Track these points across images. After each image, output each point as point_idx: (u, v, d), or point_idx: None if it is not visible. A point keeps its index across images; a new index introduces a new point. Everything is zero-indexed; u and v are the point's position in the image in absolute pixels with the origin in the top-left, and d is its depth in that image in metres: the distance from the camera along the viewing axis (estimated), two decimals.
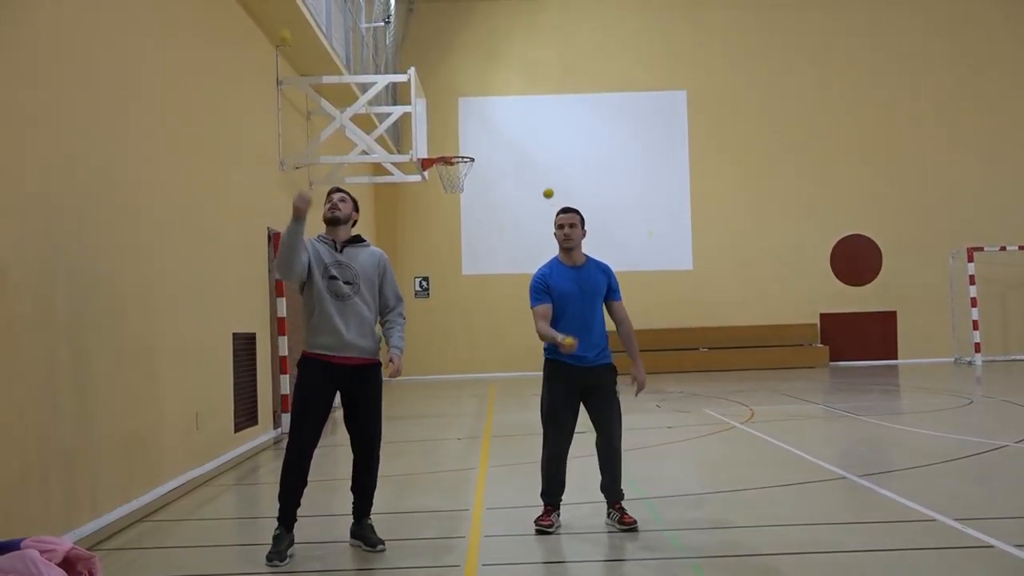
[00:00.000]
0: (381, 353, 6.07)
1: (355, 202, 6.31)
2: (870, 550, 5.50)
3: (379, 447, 6.07)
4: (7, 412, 5.44)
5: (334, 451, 9.71)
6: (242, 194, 10.70)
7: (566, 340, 6.06)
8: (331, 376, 5.88)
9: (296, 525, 5.84)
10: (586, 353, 6.29)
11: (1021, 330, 23.04)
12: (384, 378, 6.09)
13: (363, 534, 5.96)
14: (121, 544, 6.32)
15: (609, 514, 6.35)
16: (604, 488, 6.41)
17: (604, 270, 6.59)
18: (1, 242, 5.47)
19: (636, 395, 6.61)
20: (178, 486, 8.07)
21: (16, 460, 5.52)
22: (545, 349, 6.46)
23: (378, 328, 6.15)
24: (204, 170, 9.37)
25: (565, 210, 6.62)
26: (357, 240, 6.16)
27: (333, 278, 5.90)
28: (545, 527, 6.19)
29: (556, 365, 6.43)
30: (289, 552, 5.72)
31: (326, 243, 6.09)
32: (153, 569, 5.78)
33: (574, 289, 6.37)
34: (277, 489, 5.90)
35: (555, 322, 6.35)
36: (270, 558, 5.62)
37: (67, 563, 4.59)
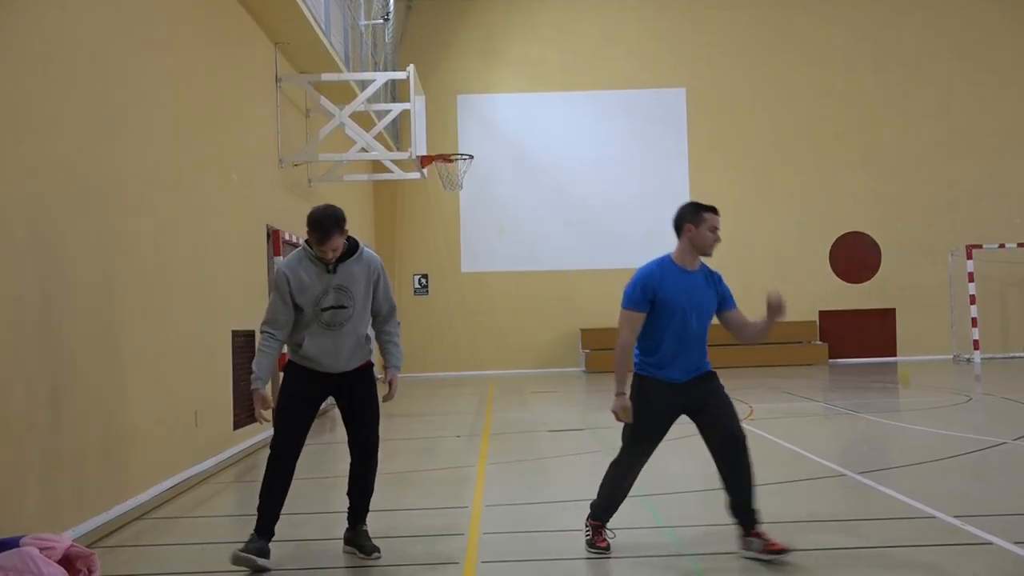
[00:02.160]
0: (374, 354, 5.92)
1: (343, 222, 5.50)
2: (870, 547, 5.50)
3: (377, 449, 5.79)
4: (6, 410, 5.43)
5: (333, 448, 9.72)
6: (241, 192, 10.70)
7: (624, 411, 5.36)
8: (321, 381, 5.63)
9: (295, 523, 5.80)
10: (679, 377, 5.42)
11: (1020, 328, 23.05)
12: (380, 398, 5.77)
13: (358, 541, 5.71)
14: (120, 541, 6.32)
15: (748, 543, 5.33)
16: (737, 510, 5.39)
17: (716, 279, 5.60)
18: (2, 243, 5.47)
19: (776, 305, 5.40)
20: (177, 483, 8.07)
21: (15, 458, 5.52)
22: (636, 361, 5.54)
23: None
24: (203, 168, 9.36)
25: (716, 210, 5.49)
26: (350, 252, 5.59)
27: (325, 309, 5.47)
28: (604, 549, 5.57)
29: (647, 382, 5.45)
30: (260, 562, 5.37)
31: (314, 264, 5.49)
32: (151, 566, 5.78)
33: (682, 301, 5.40)
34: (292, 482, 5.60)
35: (646, 336, 5.46)
36: (237, 560, 5.33)
37: (66, 560, 4.59)
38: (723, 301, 5.55)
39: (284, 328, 5.55)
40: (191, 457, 8.56)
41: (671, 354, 5.40)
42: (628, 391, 5.39)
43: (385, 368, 5.85)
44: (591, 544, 5.61)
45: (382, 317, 5.78)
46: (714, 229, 5.44)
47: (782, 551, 5.17)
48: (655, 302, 5.38)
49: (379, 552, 5.64)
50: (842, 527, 6.10)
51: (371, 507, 5.91)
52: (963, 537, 5.66)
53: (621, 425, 5.58)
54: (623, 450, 5.60)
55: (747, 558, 5.28)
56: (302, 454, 5.69)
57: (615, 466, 5.66)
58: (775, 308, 5.38)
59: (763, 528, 5.30)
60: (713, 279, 5.57)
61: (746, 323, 5.60)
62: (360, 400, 5.72)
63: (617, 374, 5.40)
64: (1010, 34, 23.47)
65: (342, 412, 5.80)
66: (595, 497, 5.72)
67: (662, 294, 5.38)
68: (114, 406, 6.91)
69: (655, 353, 5.42)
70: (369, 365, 5.80)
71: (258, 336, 5.61)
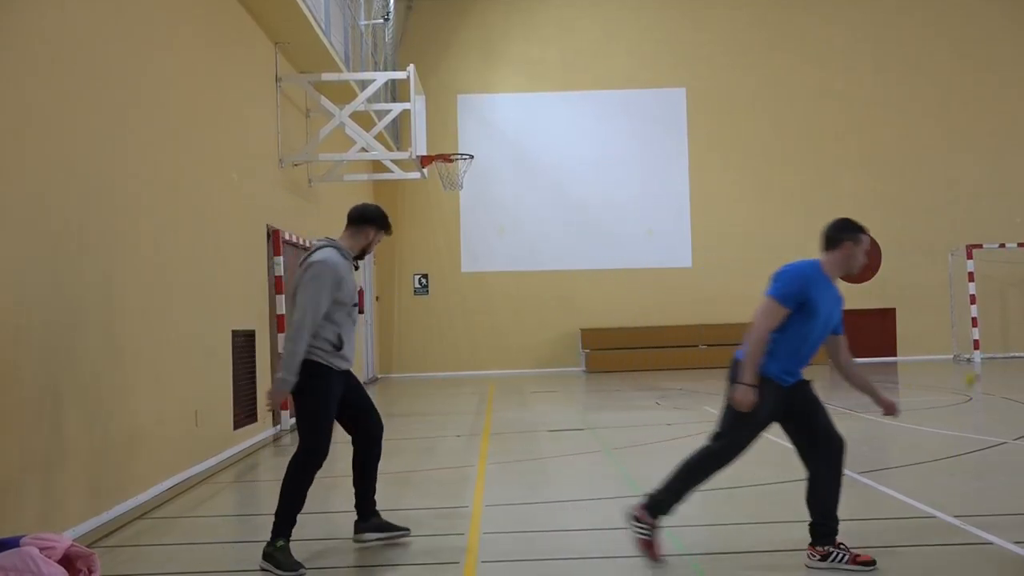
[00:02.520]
0: None
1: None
2: (870, 547, 5.50)
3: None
4: (7, 409, 5.43)
5: (332, 448, 9.69)
6: (241, 192, 10.70)
7: (748, 404, 5.11)
8: (343, 381, 5.79)
9: (296, 525, 5.80)
10: (790, 382, 5.28)
11: (1020, 328, 23.05)
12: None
13: (384, 523, 5.93)
14: (120, 541, 6.32)
15: (837, 555, 5.15)
16: (827, 516, 5.30)
17: (841, 301, 5.51)
18: (2, 243, 5.47)
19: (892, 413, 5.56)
20: (177, 483, 8.07)
21: (16, 457, 5.52)
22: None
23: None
24: (204, 167, 9.36)
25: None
26: (361, 254, 5.95)
27: (355, 305, 5.77)
28: (661, 560, 5.29)
29: (770, 382, 5.20)
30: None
31: (347, 260, 5.77)
32: (152, 566, 5.78)
33: (825, 310, 5.28)
34: (284, 497, 5.55)
35: (784, 341, 5.24)
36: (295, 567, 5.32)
37: (66, 560, 4.59)
38: (837, 325, 5.44)
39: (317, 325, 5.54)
40: (191, 457, 8.57)
41: (799, 359, 5.23)
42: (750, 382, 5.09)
43: None
44: (649, 547, 5.21)
45: None
46: (866, 254, 5.37)
47: (869, 566, 5.06)
48: (805, 303, 5.17)
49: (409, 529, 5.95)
50: (842, 527, 6.09)
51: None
52: (963, 537, 5.66)
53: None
54: (724, 444, 5.27)
55: (816, 567, 5.14)
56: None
57: (708, 457, 5.31)
58: (888, 409, 5.45)
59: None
60: (840, 300, 5.44)
61: (846, 354, 5.48)
62: (362, 391, 5.99)
63: (751, 363, 5.14)
64: (1010, 34, 23.47)
65: (347, 409, 5.86)
66: (658, 490, 5.34)
67: (814, 297, 5.20)
68: (114, 406, 6.91)
69: (784, 355, 5.21)
70: None
71: (292, 331, 5.48)
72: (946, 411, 12.35)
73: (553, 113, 23.29)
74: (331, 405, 5.65)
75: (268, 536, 5.51)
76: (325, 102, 13.72)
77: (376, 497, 6.02)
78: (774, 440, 9.81)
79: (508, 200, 23.04)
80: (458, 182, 16.78)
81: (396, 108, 15.01)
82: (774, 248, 23.08)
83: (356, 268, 5.83)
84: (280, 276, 11.90)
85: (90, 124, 6.74)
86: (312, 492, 6.04)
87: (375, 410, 5.98)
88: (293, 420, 11.04)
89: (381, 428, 6.00)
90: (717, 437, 5.28)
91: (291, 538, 5.51)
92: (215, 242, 9.62)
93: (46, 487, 5.86)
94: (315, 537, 6.18)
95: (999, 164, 23.23)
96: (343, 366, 5.69)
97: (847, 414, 12.50)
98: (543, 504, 7.17)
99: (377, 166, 18.48)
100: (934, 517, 6.14)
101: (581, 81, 23.36)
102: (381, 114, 15.58)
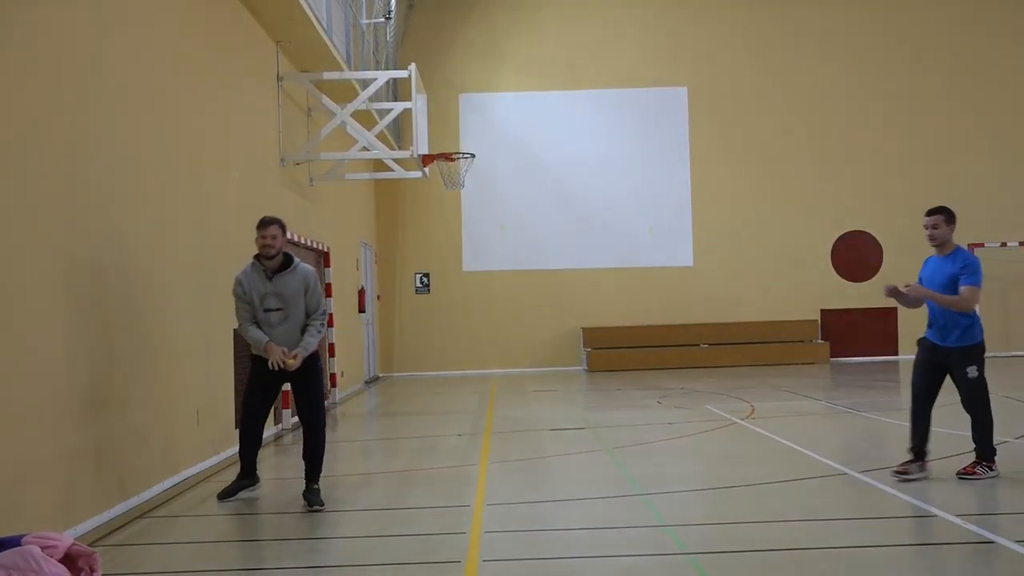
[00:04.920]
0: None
1: (283, 229, 7.43)
2: (871, 546, 5.50)
3: (320, 420, 7.36)
4: (8, 409, 5.44)
5: (334, 447, 9.71)
6: (243, 191, 10.70)
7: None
8: (272, 371, 7.31)
9: (296, 522, 5.81)
10: (939, 341, 7.57)
11: (1022, 326, 23.04)
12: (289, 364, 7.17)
13: (308, 497, 7.03)
14: (121, 540, 6.33)
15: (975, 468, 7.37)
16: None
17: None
18: (2, 244, 5.47)
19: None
20: (179, 482, 8.08)
21: (17, 456, 5.53)
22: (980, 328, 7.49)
23: None
24: (205, 166, 9.37)
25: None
26: (285, 265, 7.34)
27: (267, 310, 7.30)
28: (901, 474, 7.32)
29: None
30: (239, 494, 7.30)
31: (258, 272, 7.31)
32: (153, 565, 5.79)
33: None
34: (288, 480, 7.08)
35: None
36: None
37: (68, 559, 4.60)
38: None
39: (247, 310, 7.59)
40: (192, 455, 8.57)
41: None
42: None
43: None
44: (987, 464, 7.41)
45: (309, 315, 7.48)
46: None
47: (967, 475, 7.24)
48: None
49: (322, 506, 6.91)
50: (843, 526, 6.10)
51: (371, 505, 5.95)
52: (965, 536, 5.66)
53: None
54: (985, 386, 7.56)
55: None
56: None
57: (987, 401, 7.55)
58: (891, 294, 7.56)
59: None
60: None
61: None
62: (300, 385, 7.63)
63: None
64: (1013, 32, 23.45)
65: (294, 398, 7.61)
66: (979, 439, 7.49)
67: None
68: (115, 405, 6.92)
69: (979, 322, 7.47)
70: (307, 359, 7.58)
71: (324, 321, 7.54)
72: (947, 410, 12.32)
73: (555, 112, 23.28)
74: (253, 384, 7.60)
75: (270, 534, 5.98)
76: (326, 101, 13.71)
77: (314, 470, 7.31)
78: (776, 440, 9.82)
79: (510, 199, 23.03)
80: (460, 181, 16.79)
81: (397, 107, 15.01)
82: (776, 247, 23.14)
83: (270, 279, 7.36)
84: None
85: (90, 124, 6.74)
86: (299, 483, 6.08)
87: (304, 398, 7.55)
88: (295, 419, 11.06)
89: (306, 414, 7.49)
90: (984, 387, 7.55)
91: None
92: (216, 241, 9.63)
93: (47, 486, 5.86)
94: (316, 537, 6.18)
95: (1001, 163, 23.20)
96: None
97: (848, 414, 12.50)
98: (544, 503, 7.17)
99: (378, 165, 18.48)
100: (936, 516, 6.14)
101: (583, 80, 23.35)
102: (382, 113, 15.58)
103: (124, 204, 7.25)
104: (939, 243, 7.51)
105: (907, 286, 7.40)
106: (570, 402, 15.40)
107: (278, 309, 7.29)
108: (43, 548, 4.49)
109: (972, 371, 7.39)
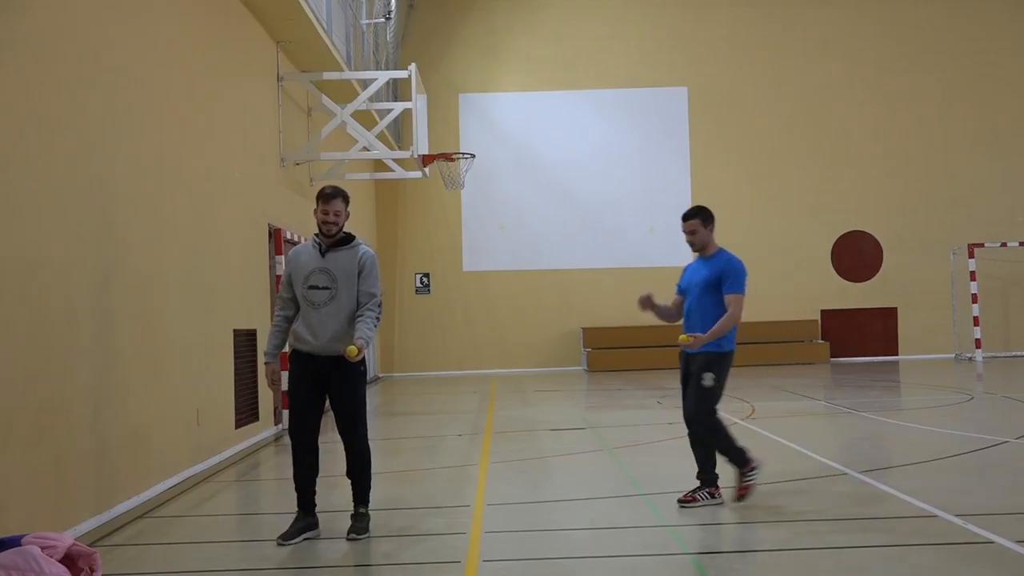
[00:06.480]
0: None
1: (347, 202, 6.31)
2: (871, 546, 5.50)
3: (361, 434, 6.26)
4: (8, 409, 5.44)
5: (335, 447, 9.68)
6: (243, 191, 10.70)
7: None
8: (312, 367, 6.21)
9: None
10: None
11: (1022, 326, 23.03)
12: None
13: (353, 522, 6.17)
14: (122, 540, 6.32)
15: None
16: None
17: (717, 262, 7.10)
18: (2, 242, 5.47)
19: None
20: (179, 482, 8.07)
21: (16, 457, 5.52)
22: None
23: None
24: (205, 166, 9.36)
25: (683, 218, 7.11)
26: (344, 242, 6.26)
27: (312, 287, 6.15)
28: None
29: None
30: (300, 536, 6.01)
31: (314, 247, 6.26)
32: (154, 565, 5.78)
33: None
34: (288, 481, 6.07)
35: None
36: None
37: (68, 559, 4.60)
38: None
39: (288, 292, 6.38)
40: (192, 456, 8.57)
41: None
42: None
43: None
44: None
45: (363, 304, 6.29)
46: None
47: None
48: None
49: (357, 535, 6.02)
50: (843, 526, 6.09)
51: (371, 505, 5.94)
52: (965, 536, 5.66)
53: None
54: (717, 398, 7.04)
55: None
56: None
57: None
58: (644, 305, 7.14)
59: None
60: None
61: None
62: (339, 389, 6.36)
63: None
64: (1013, 30, 23.45)
65: (330, 401, 6.38)
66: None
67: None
68: (115, 405, 6.91)
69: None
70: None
71: (378, 312, 6.30)
72: (947, 410, 12.35)
73: (555, 112, 23.29)
74: (294, 386, 6.43)
75: (270, 534, 5.79)
76: (326, 101, 13.71)
77: (358, 493, 6.31)
78: (776, 440, 9.82)
79: (510, 199, 23.04)
80: (460, 181, 16.78)
81: (398, 107, 15.01)
82: (776, 246, 23.13)
83: (323, 254, 6.22)
84: (281, 275, 11.90)
85: (90, 124, 6.73)
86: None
87: (343, 407, 6.39)
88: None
89: (344, 426, 6.43)
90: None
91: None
92: (216, 241, 9.62)
93: (47, 486, 5.86)
94: (316, 537, 6.17)
95: (1001, 162, 23.21)
96: (300, 347, 6.33)
97: (848, 414, 12.51)
98: (545, 503, 7.17)
99: (378, 165, 18.48)
100: (936, 516, 6.14)
101: (583, 80, 23.36)
102: (383, 113, 15.58)
103: (124, 204, 7.24)
104: (699, 247, 7.02)
105: (694, 336, 6.80)
106: (570, 402, 15.40)
107: (324, 288, 6.12)
108: (43, 548, 4.49)
109: (707, 379, 6.79)
